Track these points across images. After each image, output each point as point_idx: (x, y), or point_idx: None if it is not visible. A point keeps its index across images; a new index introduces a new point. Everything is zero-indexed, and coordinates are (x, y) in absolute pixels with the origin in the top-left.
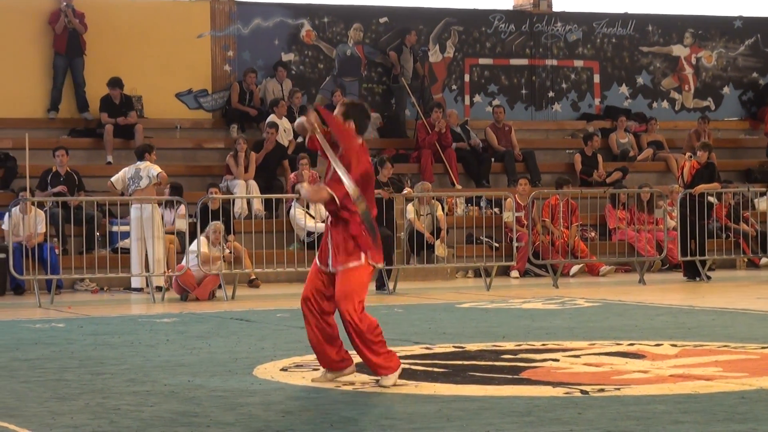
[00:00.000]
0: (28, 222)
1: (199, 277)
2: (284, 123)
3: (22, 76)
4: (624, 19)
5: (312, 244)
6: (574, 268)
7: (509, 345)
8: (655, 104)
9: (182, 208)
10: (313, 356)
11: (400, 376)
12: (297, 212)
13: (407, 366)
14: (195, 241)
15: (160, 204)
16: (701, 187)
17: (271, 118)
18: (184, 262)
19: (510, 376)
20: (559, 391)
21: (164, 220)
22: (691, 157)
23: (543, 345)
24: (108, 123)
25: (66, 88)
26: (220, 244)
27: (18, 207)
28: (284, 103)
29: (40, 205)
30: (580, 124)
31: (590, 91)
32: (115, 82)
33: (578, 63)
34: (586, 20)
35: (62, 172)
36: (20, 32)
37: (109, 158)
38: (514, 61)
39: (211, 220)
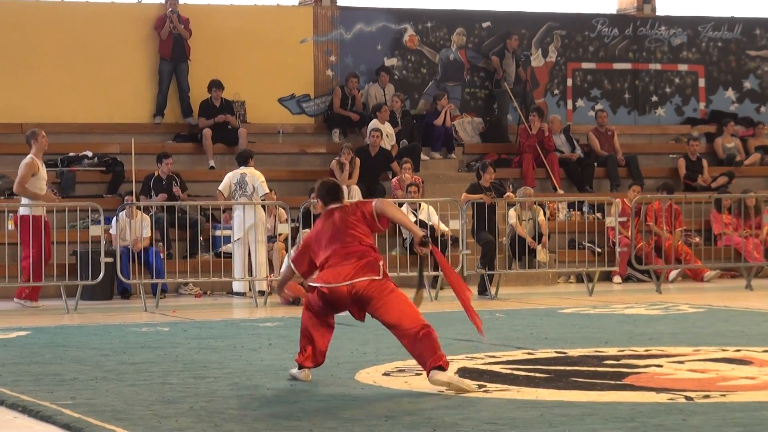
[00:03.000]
0: (135, 226)
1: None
2: (387, 128)
3: (128, 82)
4: (730, 22)
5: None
6: (673, 273)
7: (612, 350)
8: (762, 108)
9: (283, 213)
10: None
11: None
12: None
13: (509, 372)
14: (294, 247)
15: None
16: None
17: (374, 123)
18: (284, 268)
19: (613, 382)
20: (663, 397)
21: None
22: None
23: (646, 351)
24: (206, 127)
25: (171, 94)
26: None
27: (125, 211)
28: (387, 108)
29: (146, 210)
30: (684, 128)
31: (695, 95)
32: (216, 84)
33: (683, 67)
34: (690, 24)
35: (164, 176)
36: (127, 38)
37: (211, 163)
38: (617, 65)
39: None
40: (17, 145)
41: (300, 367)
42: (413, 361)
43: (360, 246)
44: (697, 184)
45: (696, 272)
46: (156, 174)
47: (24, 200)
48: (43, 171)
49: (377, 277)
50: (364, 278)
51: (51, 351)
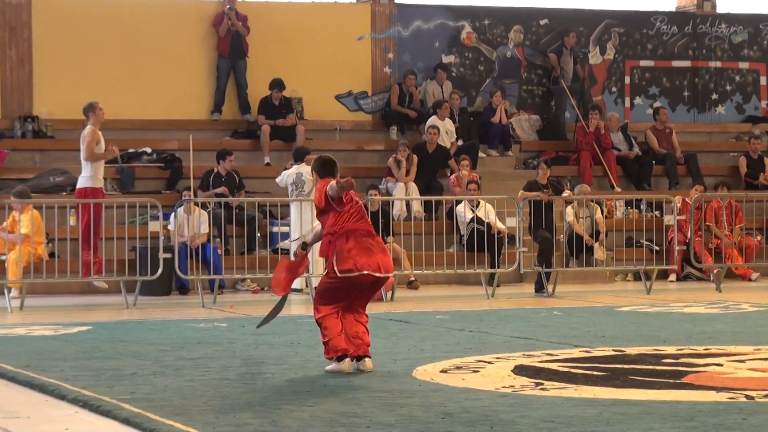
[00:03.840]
0: (192, 222)
1: None
2: (447, 125)
3: (187, 79)
4: None
5: (471, 244)
6: (755, 274)
7: (670, 349)
8: None
9: None
10: (473, 358)
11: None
12: (459, 207)
13: (566, 369)
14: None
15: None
16: None
17: (433, 120)
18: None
19: (671, 381)
20: (722, 396)
21: None
22: None
23: (705, 350)
24: (265, 125)
25: (229, 90)
26: None
27: (182, 207)
28: (447, 105)
29: (204, 206)
30: (745, 126)
31: (756, 93)
32: (277, 84)
33: (743, 65)
34: (751, 21)
35: (223, 172)
36: (185, 35)
37: (267, 159)
38: (676, 63)
39: (371, 222)
40: (78, 142)
41: (339, 359)
42: (470, 358)
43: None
44: (759, 182)
45: (743, 271)
46: (215, 170)
47: (86, 171)
48: (102, 141)
49: (395, 273)
50: (391, 274)
51: (111, 346)
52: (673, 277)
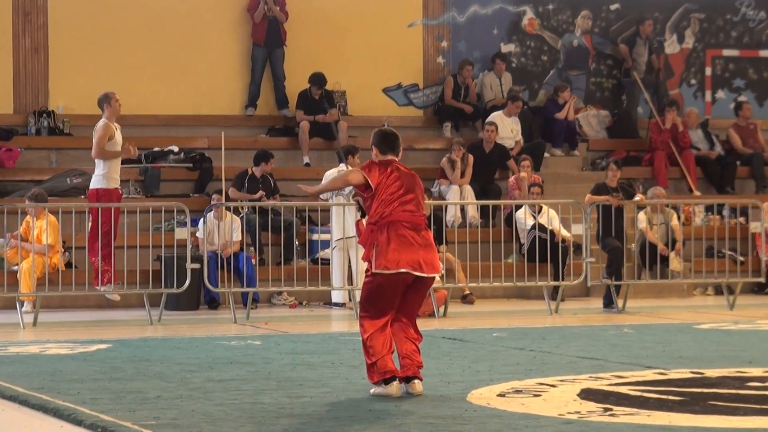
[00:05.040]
0: (223, 229)
1: None
2: (513, 123)
3: (218, 70)
4: None
5: (533, 254)
6: None
7: (757, 371)
8: None
9: None
10: (534, 381)
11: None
12: (519, 213)
13: (638, 393)
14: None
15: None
16: None
17: (498, 115)
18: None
19: (758, 407)
20: None
21: None
22: None
23: None
24: (304, 121)
25: (264, 83)
26: None
27: (212, 213)
28: (521, 101)
29: (236, 211)
30: None
31: None
32: (317, 80)
33: None
34: None
35: (258, 174)
36: (217, 21)
37: (306, 159)
38: (764, 53)
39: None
40: None
41: (386, 382)
42: (531, 381)
43: (423, 217)
44: None
45: None
46: (250, 172)
47: (98, 170)
48: (119, 136)
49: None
50: (435, 274)
51: (133, 366)
52: None
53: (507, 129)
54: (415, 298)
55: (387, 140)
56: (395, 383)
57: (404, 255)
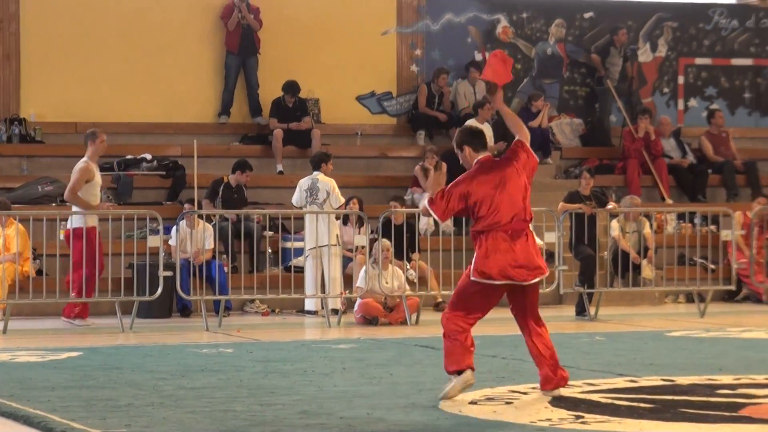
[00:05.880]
0: (196, 237)
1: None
2: (487, 129)
3: (191, 77)
4: None
5: None
6: None
7: (727, 379)
8: None
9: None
10: (506, 388)
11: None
12: None
13: (610, 401)
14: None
15: (337, 218)
16: None
17: (471, 123)
18: (360, 284)
19: (727, 414)
20: None
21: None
22: None
23: (766, 379)
24: (277, 128)
25: (238, 91)
26: (389, 267)
27: (185, 221)
28: (490, 106)
29: (209, 219)
30: None
31: None
32: (291, 88)
33: None
34: None
35: (234, 183)
36: (190, 29)
37: (280, 167)
38: (736, 61)
39: (394, 237)
40: (71, 147)
41: (459, 372)
42: (503, 388)
43: (527, 221)
44: None
45: None
46: (225, 180)
47: (75, 209)
48: (98, 176)
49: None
50: (538, 279)
51: (104, 374)
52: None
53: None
54: (524, 301)
55: (478, 137)
56: (468, 372)
57: (503, 264)
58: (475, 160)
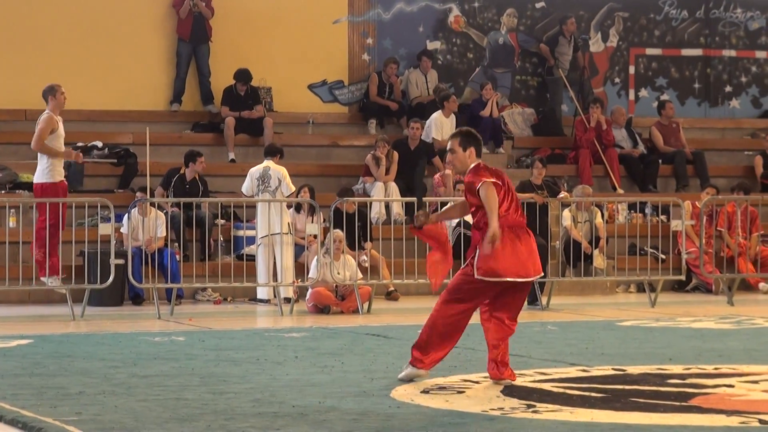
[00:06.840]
0: (148, 225)
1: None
2: (449, 122)
3: (143, 65)
4: None
5: (458, 251)
6: (764, 284)
7: (677, 368)
8: None
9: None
10: (458, 377)
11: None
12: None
13: (561, 390)
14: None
15: (289, 207)
16: None
17: (437, 116)
18: (312, 274)
19: (677, 403)
20: (733, 421)
21: (296, 225)
22: None
23: (716, 369)
24: (229, 116)
25: (190, 78)
26: (341, 257)
27: (137, 209)
28: (455, 99)
29: (161, 207)
30: (761, 122)
31: None
32: (242, 76)
33: (761, 54)
34: None
35: (189, 177)
36: (142, 16)
37: (232, 155)
38: (686, 52)
39: (346, 226)
40: (20, 134)
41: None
42: (455, 377)
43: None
44: None
45: (755, 280)
46: (182, 171)
47: (42, 164)
48: (61, 128)
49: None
50: (536, 277)
51: (55, 361)
52: (764, 285)
53: (447, 130)
54: (513, 299)
55: (477, 138)
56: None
57: (510, 263)
58: (473, 164)
